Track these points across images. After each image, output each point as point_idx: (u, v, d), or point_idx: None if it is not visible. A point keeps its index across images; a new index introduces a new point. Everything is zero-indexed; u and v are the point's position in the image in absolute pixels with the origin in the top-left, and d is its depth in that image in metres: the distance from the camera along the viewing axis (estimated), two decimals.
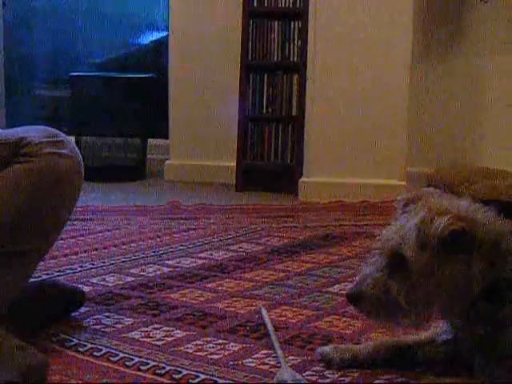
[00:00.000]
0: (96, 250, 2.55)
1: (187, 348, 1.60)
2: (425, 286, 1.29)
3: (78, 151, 1.71)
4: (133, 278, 2.18)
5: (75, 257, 2.43)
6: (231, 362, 1.52)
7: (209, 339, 1.66)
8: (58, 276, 2.18)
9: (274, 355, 1.56)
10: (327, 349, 1.52)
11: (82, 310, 1.85)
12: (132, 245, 2.64)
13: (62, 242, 2.54)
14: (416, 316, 1.33)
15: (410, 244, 1.29)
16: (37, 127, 1.69)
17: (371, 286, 1.33)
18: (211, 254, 2.51)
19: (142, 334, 1.69)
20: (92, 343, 1.62)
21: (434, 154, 4.15)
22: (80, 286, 2.01)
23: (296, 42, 3.95)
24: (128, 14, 5.10)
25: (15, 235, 1.57)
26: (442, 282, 1.28)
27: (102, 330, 1.72)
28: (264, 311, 1.83)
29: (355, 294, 1.35)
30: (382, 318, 1.37)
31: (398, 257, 1.31)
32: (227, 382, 1.43)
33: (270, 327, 1.71)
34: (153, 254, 2.51)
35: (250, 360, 1.54)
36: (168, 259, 2.43)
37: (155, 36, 5.09)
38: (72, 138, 4.26)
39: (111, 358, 1.54)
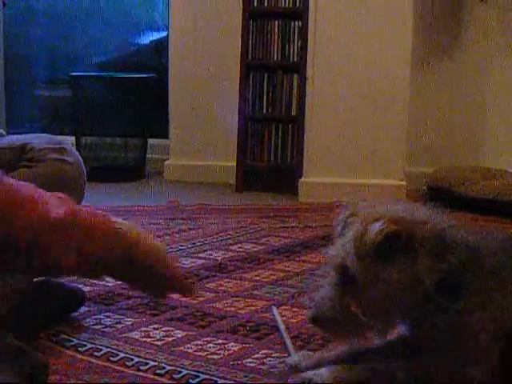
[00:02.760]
0: None
1: (187, 348, 1.61)
2: (375, 293, 1.29)
3: (81, 159, 1.74)
4: None
5: None
6: (231, 362, 1.52)
7: (209, 339, 1.66)
8: None
9: (274, 355, 1.56)
10: (296, 356, 1.51)
11: (82, 310, 1.85)
12: None
13: None
14: (379, 325, 1.33)
15: (351, 255, 1.29)
16: (39, 135, 1.72)
17: (328, 307, 1.32)
18: (211, 254, 2.51)
19: (142, 333, 1.69)
20: (92, 343, 1.62)
21: (434, 154, 4.15)
22: (80, 285, 2.01)
23: (296, 41, 3.95)
24: (128, 14, 5.10)
25: None
26: (389, 286, 1.28)
27: (102, 329, 1.72)
28: (275, 310, 1.84)
29: (315, 317, 1.35)
30: (347, 334, 1.36)
31: (345, 270, 1.31)
32: (227, 382, 1.43)
33: (281, 327, 1.71)
34: None
35: (250, 360, 1.54)
36: None
37: (155, 36, 5.09)
38: (72, 138, 4.27)
39: (111, 358, 1.54)
